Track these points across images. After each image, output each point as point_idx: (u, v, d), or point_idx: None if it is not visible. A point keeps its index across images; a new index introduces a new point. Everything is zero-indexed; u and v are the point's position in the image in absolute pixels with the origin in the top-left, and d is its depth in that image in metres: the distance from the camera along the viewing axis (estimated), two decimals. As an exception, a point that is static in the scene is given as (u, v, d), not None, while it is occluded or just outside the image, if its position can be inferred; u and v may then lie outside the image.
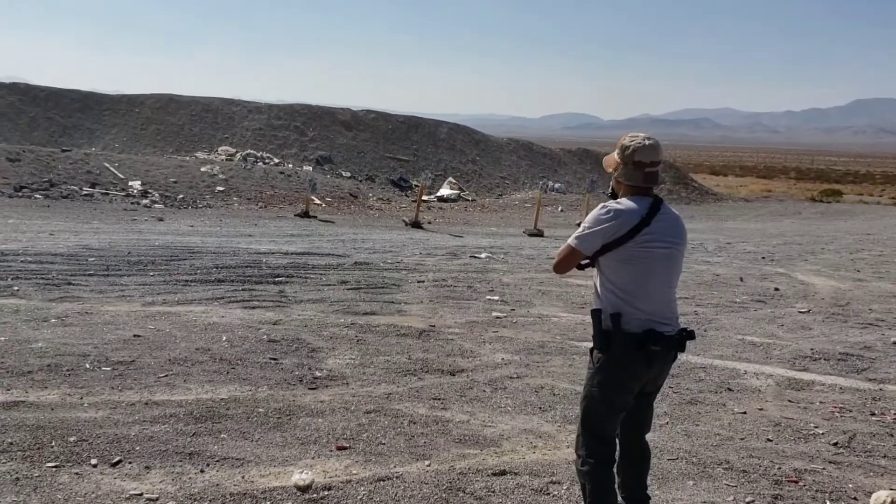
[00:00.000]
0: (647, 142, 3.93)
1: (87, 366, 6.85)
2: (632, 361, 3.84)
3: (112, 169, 26.14)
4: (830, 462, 5.77)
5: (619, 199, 3.95)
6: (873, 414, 6.96)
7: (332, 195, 28.52)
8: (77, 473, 4.76)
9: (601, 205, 3.93)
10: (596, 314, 3.92)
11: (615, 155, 3.99)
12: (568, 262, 3.99)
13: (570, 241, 3.94)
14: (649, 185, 3.94)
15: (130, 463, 4.95)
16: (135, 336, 7.92)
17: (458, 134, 44.14)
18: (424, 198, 27.16)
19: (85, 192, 23.59)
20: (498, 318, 9.95)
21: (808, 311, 11.59)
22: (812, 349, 9.17)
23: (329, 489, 4.77)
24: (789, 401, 7.24)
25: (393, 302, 10.48)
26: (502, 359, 8.06)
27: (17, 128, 35.97)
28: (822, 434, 6.36)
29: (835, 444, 6.14)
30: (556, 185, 38.83)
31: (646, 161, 3.90)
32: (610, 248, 3.86)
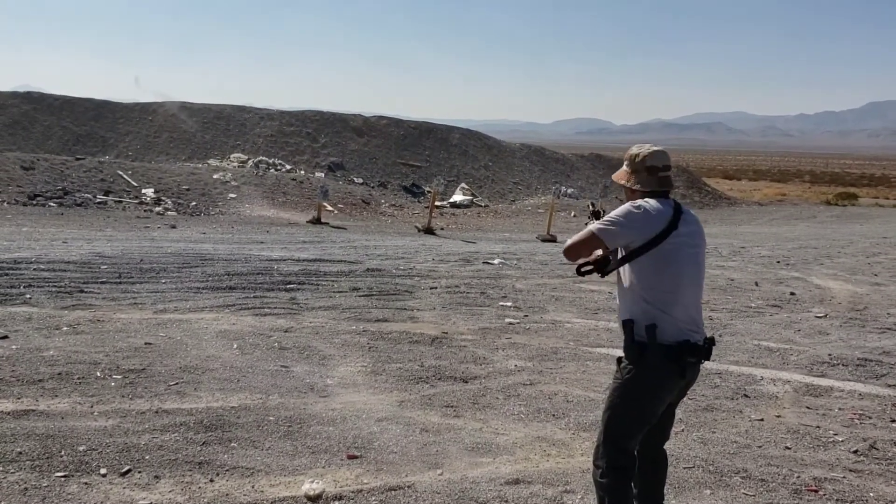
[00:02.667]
0: (655, 148, 3.98)
1: (98, 374, 6.82)
2: (667, 373, 3.78)
3: (125, 177, 26.23)
4: (851, 470, 5.68)
5: (645, 199, 3.87)
6: (893, 420, 6.86)
7: (344, 201, 28.54)
8: (86, 483, 4.73)
9: (631, 202, 3.87)
10: (628, 325, 3.83)
11: (624, 167, 4.01)
12: (583, 248, 3.89)
13: (594, 226, 3.84)
14: (665, 189, 3.93)
15: (140, 472, 4.91)
16: (146, 344, 7.90)
17: (470, 140, 44.15)
18: (437, 204, 27.13)
19: (98, 200, 23.68)
20: (511, 324, 9.89)
21: (825, 316, 11.48)
22: (830, 354, 9.07)
23: (340, 499, 4.73)
24: (807, 407, 7.14)
25: (405, 309, 10.42)
26: (515, 365, 8.00)
27: (31, 136, 36.18)
28: (842, 441, 6.28)
29: (855, 451, 6.06)
30: (569, 191, 38.74)
31: (658, 165, 3.92)
32: (643, 251, 3.79)
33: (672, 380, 3.80)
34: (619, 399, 3.87)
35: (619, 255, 3.91)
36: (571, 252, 3.91)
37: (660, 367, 3.75)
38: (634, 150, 4.01)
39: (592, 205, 4.62)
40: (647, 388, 3.80)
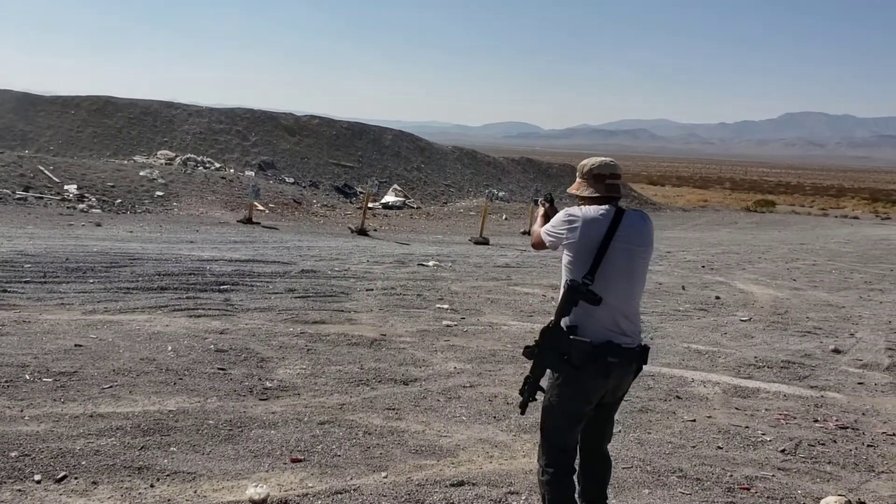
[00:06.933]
0: (602, 159, 4.15)
1: (27, 377, 6.63)
2: (589, 373, 3.85)
3: (47, 172, 25.52)
4: (779, 469, 5.91)
5: (580, 206, 4.03)
6: (816, 420, 7.18)
7: (276, 201, 28.23)
8: (20, 490, 4.60)
9: (566, 209, 4.03)
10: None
11: (577, 178, 4.17)
12: (538, 246, 4.28)
13: (544, 229, 4.13)
14: (612, 195, 4.05)
15: (76, 478, 4.80)
16: (76, 346, 7.70)
17: (402, 141, 44.14)
18: (370, 205, 27.03)
19: (18, 196, 22.97)
20: (448, 326, 9.93)
21: (750, 320, 11.90)
22: (755, 357, 9.43)
23: (285, 503, 4.69)
24: (736, 408, 7.41)
25: (342, 310, 10.38)
26: (455, 368, 8.05)
27: (-55, 128, 34.99)
28: (770, 441, 6.52)
29: (782, 450, 6.31)
30: (501, 194, 39.00)
31: (605, 173, 4.07)
32: (579, 258, 3.92)
33: (595, 379, 3.88)
34: (548, 398, 4.01)
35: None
36: (534, 247, 4.36)
37: (582, 366, 3.83)
38: (585, 160, 4.18)
39: (544, 197, 4.68)
40: (572, 386, 3.91)
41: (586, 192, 4.05)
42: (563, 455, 4.04)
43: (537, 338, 3.94)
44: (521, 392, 4.06)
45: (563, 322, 3.88)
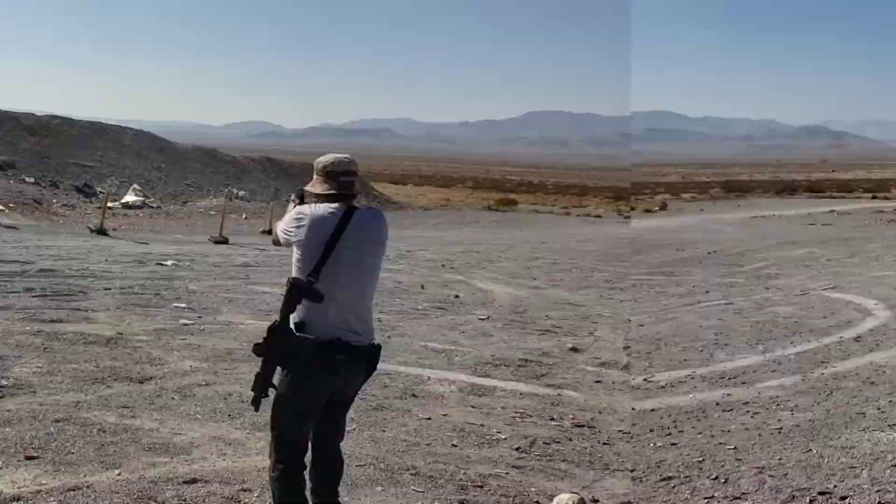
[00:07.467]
0: (337, 156, 3.91)
1: None
2: (316, 369, 3.69)
3: None
4: (514, 467, 5.72)
5: (310, 204, 3.84)
6: (552, 419, 6.99)
7: (15, 201, 26.00)
8: None
9: (297, 208, 3.87)
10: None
11: (313, 175, 3.95)
12: (278, 243, 4.02)
13: (279, 227, 3.94)
14: (344, 193, 3.84)
15: None
16: None
17: (142, 140, 42.26)
18: (109, 204, 25.59)
19: None
20: (185, 325, 9.65)
21: (488, 318, 11.67)
22: (493, 355, 9.19)
23: (18, 500, 4.47)
24: (472, 406, 7.18)
25: (80, 309, 9.82)
26: (191, 366, 7.81)
27: None
28: (505, 439, 6.32)
29: (517, 448, 6.11)
30: (241, 193, 38.28)
31: (338, 170, 3.85)
32: (307, 256, 3.75)
33: (322, 376, 3.72)
34: (278, 393, 3.84)
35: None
36: (275, 244, 4.08)
37: (309, 363, 3.67)
38: (320, 158, 3.97)
39: (296, 194, 4.22)
40: (300, 383, 3.74)
41: (320, 190, 3.86)
42: (291, 451, 3.82)
43: (265, 335, 3.76)
44: (254, 388, 3.88)
45: (293, 319, 3.70)
